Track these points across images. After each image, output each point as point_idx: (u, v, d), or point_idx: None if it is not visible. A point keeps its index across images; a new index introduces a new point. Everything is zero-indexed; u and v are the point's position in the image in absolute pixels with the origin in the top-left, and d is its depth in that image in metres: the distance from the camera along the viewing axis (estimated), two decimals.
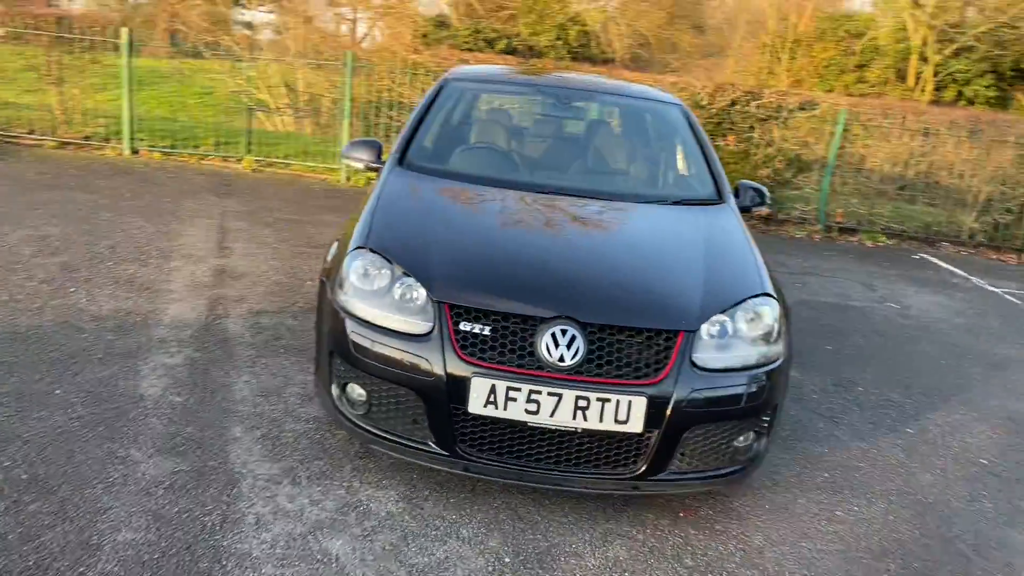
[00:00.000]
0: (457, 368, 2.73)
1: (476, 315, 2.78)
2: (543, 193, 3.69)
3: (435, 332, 2.78)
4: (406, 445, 2.89)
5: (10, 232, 5.66)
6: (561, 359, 2.72)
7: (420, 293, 2.85)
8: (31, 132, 9.64)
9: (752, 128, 9.57)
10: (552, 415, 2.71)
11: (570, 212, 3.58)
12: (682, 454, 2.85)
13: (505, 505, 3.01)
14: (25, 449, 2.98)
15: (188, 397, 3.54)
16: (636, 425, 2.73)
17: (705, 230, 3.53)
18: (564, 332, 2.74)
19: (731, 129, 9.55)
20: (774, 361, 2.97)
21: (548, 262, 3.11)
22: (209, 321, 4.45)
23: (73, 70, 9.66)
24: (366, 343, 2.86)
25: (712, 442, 2.89)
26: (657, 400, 2.73)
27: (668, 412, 2.74)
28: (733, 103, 9.51)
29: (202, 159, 9.68)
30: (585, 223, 3.54)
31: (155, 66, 10.06)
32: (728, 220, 3.66)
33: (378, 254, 3.00)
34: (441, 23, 18.34)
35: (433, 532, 2.79)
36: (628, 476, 2.83)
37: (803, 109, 9.66)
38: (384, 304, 2.89)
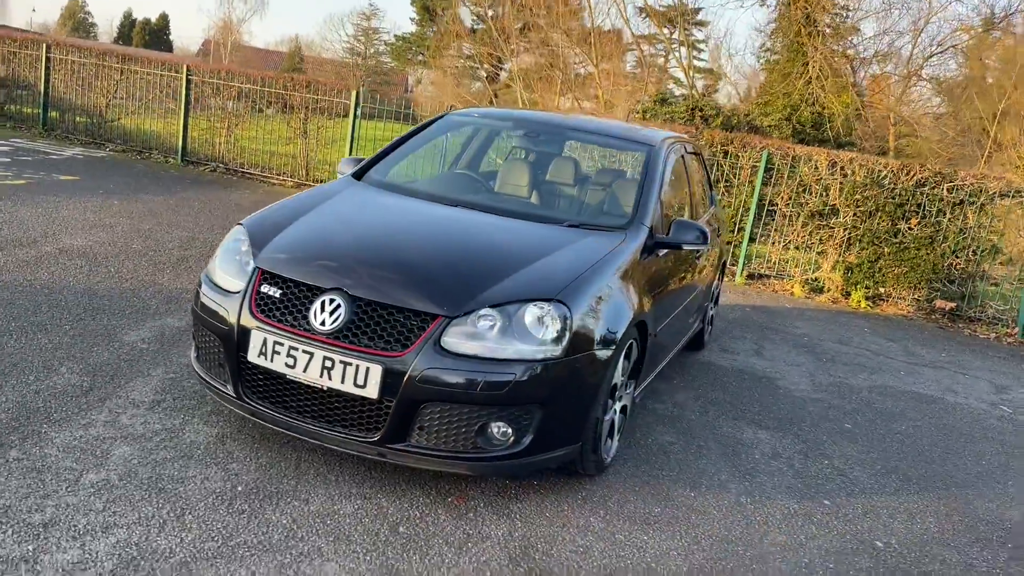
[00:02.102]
0: (247, 321, 3.13)
1: (276, 280, 3.18)
2: (454, 207, 3.95)
3: (243, 291, 3.23)
4: (213, 386, 3.33)
5: (173, 231, 7.07)
6: (323, 323, 3.02)
7: (252, 261, 3.32)
8: (280, 174, 11.69)
9: (941, 212, 8.63)
10: (305, 371, 3.00)
11: (449, 219, 3.79)
12: (420, 428, 2.95)
13: (296, 456, 3.28)
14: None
15: (154, 345, 4.30)
16: (372, 391, 2.91)
17: (564, 247, 3.53)
18: (332, 301, 3.04)
19: (916, 212, 8.69)
20: (537, 362, 2.97)
21: (364, 248, 3.40)
22: None
23: (314, 126, 11.61)
24: (203, 298, 3.38)
25: (453, 423, 2.94)
26: (393, 371, 2.90)
27: (402, 384, 2.90)
28: (920, 184, 8.68)
29: None
30: (449, 228, 3.73)
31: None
32: (607, 243, 3.61)
33: (245, 229, 3.54)
34: (664, 100, 18.60)
35: (211, 459, 3.16)
36: (371, 441, 3.00)
37: (1008, 196, 8.52)
38: (231, 270, 3.39)
